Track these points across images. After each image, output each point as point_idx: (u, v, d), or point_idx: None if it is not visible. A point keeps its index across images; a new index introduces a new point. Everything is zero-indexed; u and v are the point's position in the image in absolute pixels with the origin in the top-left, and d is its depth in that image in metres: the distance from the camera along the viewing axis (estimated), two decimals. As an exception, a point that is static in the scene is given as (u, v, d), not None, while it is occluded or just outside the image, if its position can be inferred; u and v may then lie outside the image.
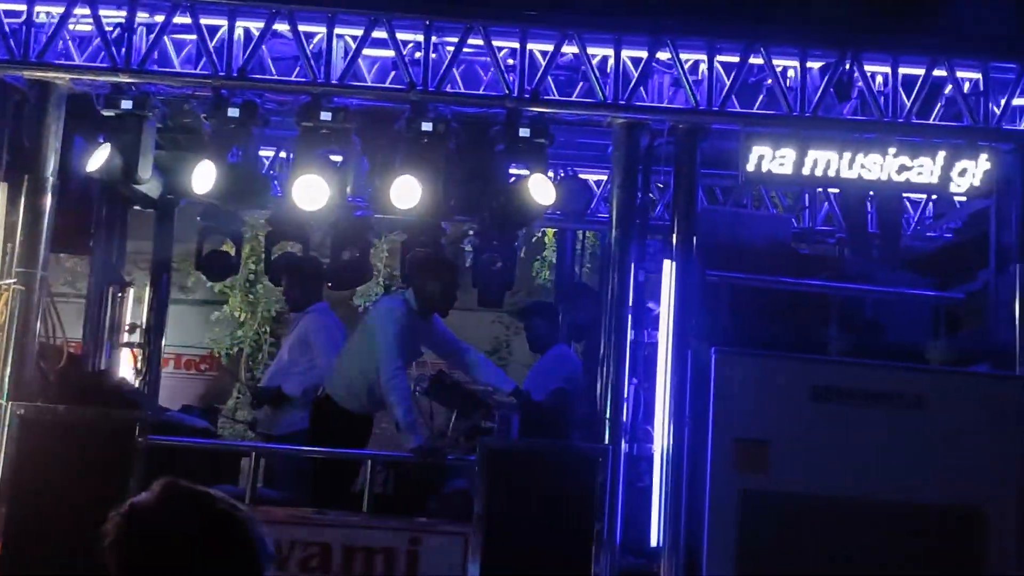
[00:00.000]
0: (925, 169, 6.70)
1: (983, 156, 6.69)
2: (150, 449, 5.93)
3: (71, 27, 6.42)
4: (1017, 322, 6.61)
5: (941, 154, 6.68)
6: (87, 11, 6.33)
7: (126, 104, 6.29)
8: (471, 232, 8.39)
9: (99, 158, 6.30)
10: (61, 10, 6.32)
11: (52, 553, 5.64)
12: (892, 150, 6.60)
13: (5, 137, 6.38)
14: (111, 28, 6.34)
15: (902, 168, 6.63)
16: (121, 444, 5.91)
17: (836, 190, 7.88)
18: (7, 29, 6.29)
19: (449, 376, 7.32)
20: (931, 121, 6.87)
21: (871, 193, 7.99)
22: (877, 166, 6.67)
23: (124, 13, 6.33)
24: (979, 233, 7.94)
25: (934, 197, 8.31)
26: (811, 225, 8.70)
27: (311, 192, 6.45)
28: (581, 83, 6.83)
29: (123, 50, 6.31)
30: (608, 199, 7.31)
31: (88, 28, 6.41)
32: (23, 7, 6.32)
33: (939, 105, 6.94)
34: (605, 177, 8.41)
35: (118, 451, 5.89)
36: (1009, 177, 6.79)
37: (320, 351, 7.32)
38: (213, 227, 8.05)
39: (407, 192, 6.47)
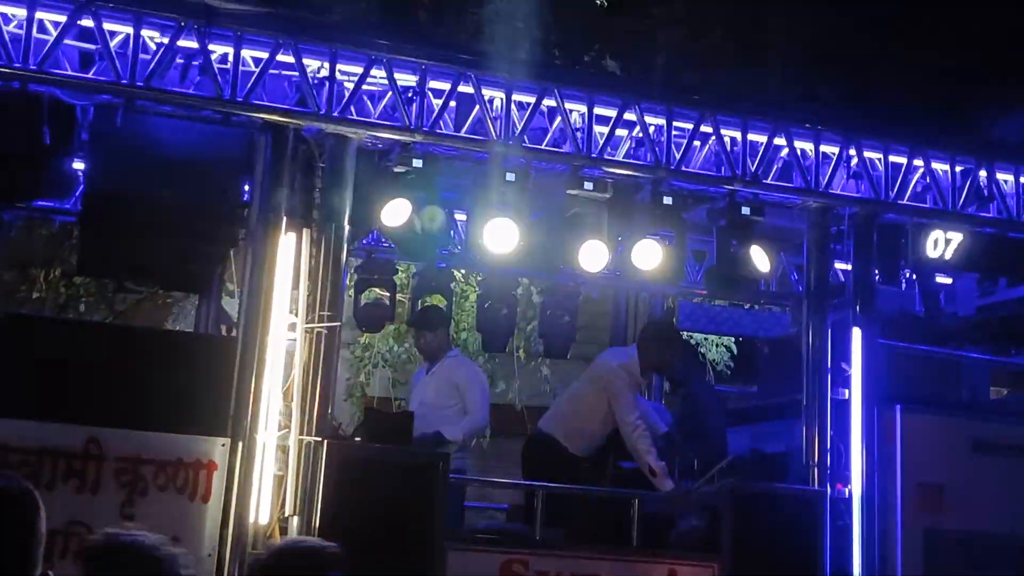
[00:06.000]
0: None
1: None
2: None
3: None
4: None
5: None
6: (383, 73, 6.73)
7: (417, 162, 6.73)
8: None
9: (399, 213, 6.69)
10: (359, 70, 6.69)
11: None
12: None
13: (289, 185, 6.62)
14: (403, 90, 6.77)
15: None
16: (428, 479, 6.34)
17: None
18: (311, 83, 6.60)
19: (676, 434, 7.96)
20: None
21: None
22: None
23: (416, 78, 6.79)
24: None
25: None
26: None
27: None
28: (776, 167, 7.78)
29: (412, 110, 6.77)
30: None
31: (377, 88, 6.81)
32: (325, 63, 6.64)
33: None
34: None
35: (425, 486, 6.32)
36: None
37: (472, 395, 7.88)
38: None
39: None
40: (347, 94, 6.65)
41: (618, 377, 7.25)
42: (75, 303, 14.09)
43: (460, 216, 8.51)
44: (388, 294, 8.77)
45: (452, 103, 6.91)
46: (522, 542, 6.58)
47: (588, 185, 7.10)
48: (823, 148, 7.71)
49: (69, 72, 6.32)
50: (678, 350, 7.65)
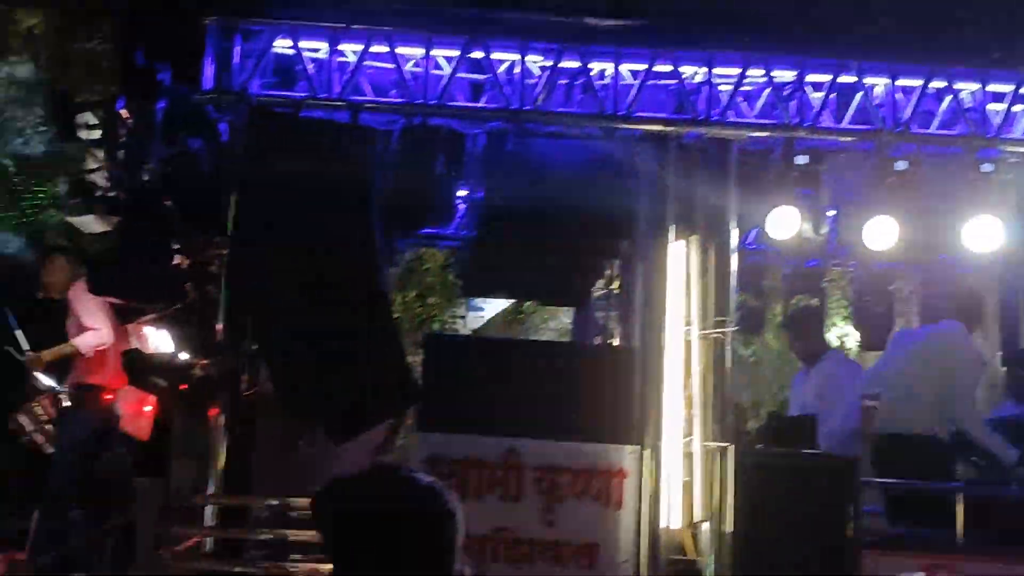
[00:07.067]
0: None
1: None
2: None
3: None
4: None
5: None
6: (760, 71, 6.64)
7: (800, 159, 6.57)
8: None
9: (788, 223, 6.58)
10: (735, 71, 6.64)
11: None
12: None
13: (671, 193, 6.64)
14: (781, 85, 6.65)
15: None
16: (840, 483, 6.16)
17: None
18: (688, 89, 6.61)
19: None
20: None
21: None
22: None
23: (794, 73, 6.65)
24: None
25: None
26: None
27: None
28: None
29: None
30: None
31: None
32: (701, 68, 6.64)
33: None
34: None
35: (837, 490, 6.14)
36: None
37: (840, 397, 7.52)
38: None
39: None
40: (724, 97, 6.61)
41: (966, 358, 6.79)
42: (430, 322, 15.03)
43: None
44: (759, 297, 8.66)
45: (832, 95, 6.70)
46: (947, 546, 6.23)
47: (987, 167, 6.64)
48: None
49: (462, 103, 6.69)
50: None
